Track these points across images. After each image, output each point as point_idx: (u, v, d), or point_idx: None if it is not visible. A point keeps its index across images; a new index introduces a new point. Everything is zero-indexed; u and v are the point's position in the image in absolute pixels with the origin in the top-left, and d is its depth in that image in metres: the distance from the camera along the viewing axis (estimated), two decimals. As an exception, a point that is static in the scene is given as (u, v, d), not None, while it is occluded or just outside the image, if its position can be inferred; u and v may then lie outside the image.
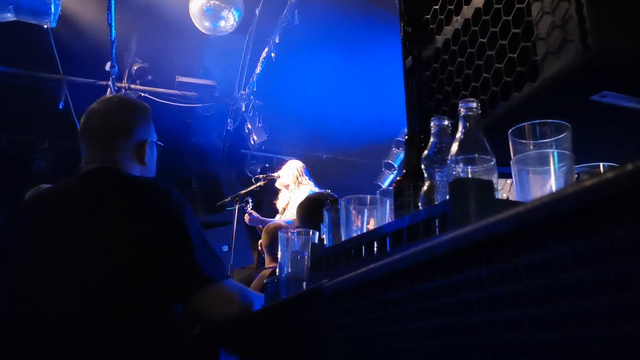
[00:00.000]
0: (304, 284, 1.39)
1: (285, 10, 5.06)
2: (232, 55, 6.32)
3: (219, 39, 5.98)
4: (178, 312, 1.49)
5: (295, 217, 3.27)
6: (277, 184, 4.87)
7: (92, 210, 1.47)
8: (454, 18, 1.43)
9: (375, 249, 1.08)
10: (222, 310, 1.49)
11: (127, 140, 1.67)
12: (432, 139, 1.14)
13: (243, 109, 6.56)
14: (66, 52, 5.59)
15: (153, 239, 1.40)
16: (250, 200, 5.01)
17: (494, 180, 0.98)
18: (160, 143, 1.80)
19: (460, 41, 1.39)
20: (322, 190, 4.07)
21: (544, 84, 1.06)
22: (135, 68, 6.15)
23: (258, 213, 4.99)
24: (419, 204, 1.14)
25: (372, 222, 1.33)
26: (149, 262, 1.38)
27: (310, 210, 2.68)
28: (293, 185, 4.72)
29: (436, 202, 1.04)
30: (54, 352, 1.31)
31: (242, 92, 6.47)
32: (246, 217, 4.91)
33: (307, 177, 4.77)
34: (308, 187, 4.62)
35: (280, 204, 4.82)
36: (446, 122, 1.16)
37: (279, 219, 4.71)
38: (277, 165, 7.29)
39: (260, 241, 3.71)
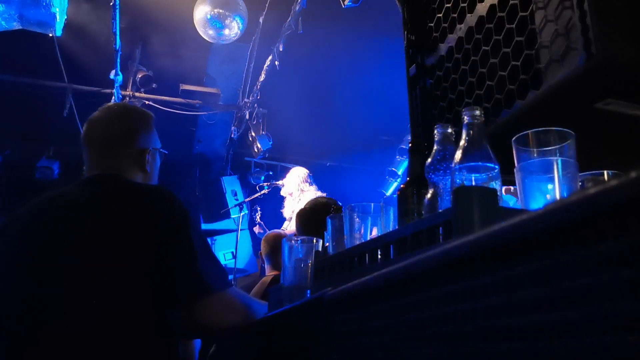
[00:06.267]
0: (308, 291, 1.39)
1: (289, 19, 5.08)
2: (236, 63, 6.34)
3: (223, 47, 6.00)
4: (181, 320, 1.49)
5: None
6: (281, 193, 4.88)
7: (95, 217, 1.47)
8: (458, 26, 1.43)
9: (378, 256, 1.08)
10: (225, 319, 1.48)
11: (129, 148, 1.67)
12: (435, 147, 1.14)
13: (247, 116, 6.57)
14: (71, 61, 5.62)
15: (156, 246, 1.40)
16: (259, 209, 5.02)
17: (498, 188, 0.98)
18: (164, 151, 1.80)
19: (464, 49, 1.40)
20: (325, 198, 4.06)
21: (547, 91, 1.06)
22: (139, 76, 6.18)
23: (263, 222, 5.00)
24: (423, 212, 1.14)
25: (375, 230, 1.32)
26: (152, 269, 1.38)
27: (308, 218, 2.67)
28: (296, 192, 4.72)
29: (440, 210, 1.04)
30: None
31: (246, 100, 6.48)
32: (256, 228, 4.92)
33: (309, 184, 4.76)
34: (311, 194, 4.61)
35: (286, 212, 4.82)
36: (450, 130, 1.16)
37: (286, 226, 4.71)
38: (281, 173, 7.30)
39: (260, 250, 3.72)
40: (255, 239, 5.75)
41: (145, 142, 1.72)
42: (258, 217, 4.98)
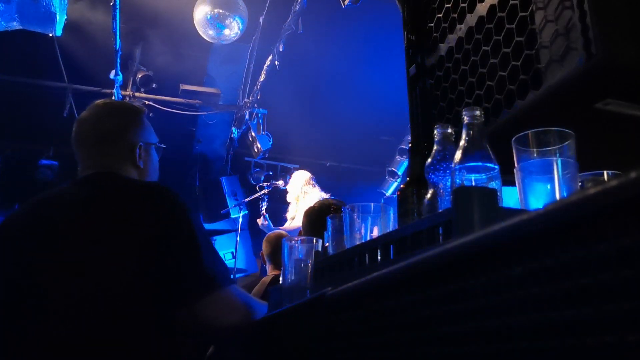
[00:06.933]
0: (307, 292, 1.39)
1: (289, 19, 5.08)
2: (236, 63, 6.35)
3: (223, 47, 6.00)
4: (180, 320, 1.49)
5: (299, 225, 3.29)
6: (287, 199, 4.91)
7: (93, 215, 1.46)
8: (458, 26, 1.43)
9: (378, 256, 1.08)
10: (226, 318, 1.47)
11: (119, 145, 1.66)
12: (435, 147, 1.14)
13: (247, 116, 6.57)
14: (71, 61, 5.62)
15: (158, 243, 1.39)
16: (266, 200, 5.03)
17: (498, 188, 0.98)
18: (161, 145, 1.79)
19: (464, 49, 1.40)
20: (333, 199, 4.06)
21: (547, 92, 1.06)
22: (139, 76, 6.18)
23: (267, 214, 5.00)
24: (423, 212, 1.14)
25: (375, 230, 1.32)
26: (153, 267, 1.38)
27: (313, 218, 2.68)
28: (301, 195, 4.75)
29: (440, 210, 1.04)
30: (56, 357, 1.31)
31: (246, 100, 6.48)
32: (259, 220, 4.92)
33: (311, 186, 4.79)
34: (314, 195, 4.63)
35: (289, 214, 4.85)
36: (450, 130, 1.16)
37: (288, 225, 4.73)
38: (281, 173, 7.30)
39: (262, 250, 3.72)
40: (255, 239, 5.74)
41: (136, 137, 1.70)
42: (264, 209, 4.98)
